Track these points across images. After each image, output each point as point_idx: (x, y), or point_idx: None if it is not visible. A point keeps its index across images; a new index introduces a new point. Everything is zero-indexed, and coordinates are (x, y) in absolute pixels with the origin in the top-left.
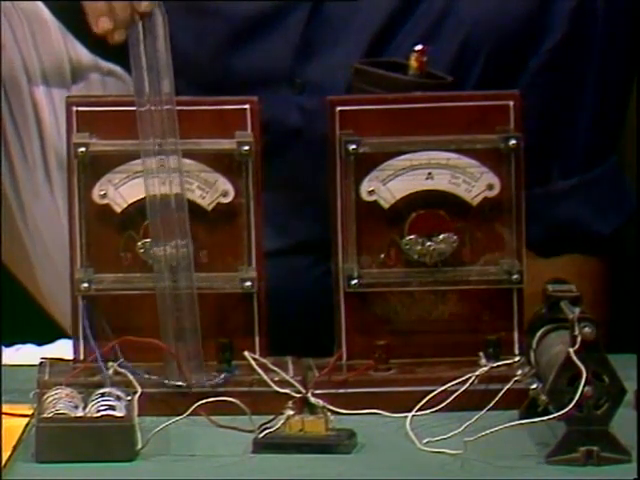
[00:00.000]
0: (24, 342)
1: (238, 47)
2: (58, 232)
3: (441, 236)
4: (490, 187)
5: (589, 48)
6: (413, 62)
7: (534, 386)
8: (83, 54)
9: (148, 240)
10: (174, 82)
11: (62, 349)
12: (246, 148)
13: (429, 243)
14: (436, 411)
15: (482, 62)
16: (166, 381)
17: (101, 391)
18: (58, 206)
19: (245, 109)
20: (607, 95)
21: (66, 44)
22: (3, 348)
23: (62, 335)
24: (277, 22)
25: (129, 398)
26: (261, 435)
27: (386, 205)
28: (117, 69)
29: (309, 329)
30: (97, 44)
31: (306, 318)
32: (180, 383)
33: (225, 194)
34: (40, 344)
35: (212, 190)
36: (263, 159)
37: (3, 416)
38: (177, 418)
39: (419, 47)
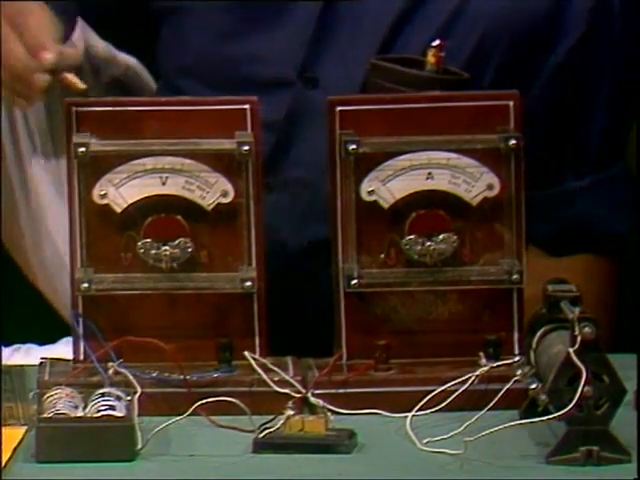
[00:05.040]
0: (24, 342)
1: (247, 43)
2: (61, 217)
3: (441, 236)
4: (490, 187)
5: (605, 49)
6: (430, 57)
7: (534, 386)
8: (101, 46)
9: (148, 240)
10: (185, 83)
11: (65, 349)
12: (246, 148)
13: (429, 243)
14: (436, 411)
15: (497, 61)
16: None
17: (101, 391)
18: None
19: (245, 109)
20: (621, 97)
21: (85, 34)
22: (3, 348)
23: (65, 331)
24: (288, 18)
25: (129, 398)
26: (261, 435)
27: (386, 205)
28: (134, 62)
29: (309, 328)
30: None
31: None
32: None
33: (225, 194)
34: (42, 344)
35: (212, 190)
36: (274, 157)
37: None
38: (177, 418)
39: (437, 42)
